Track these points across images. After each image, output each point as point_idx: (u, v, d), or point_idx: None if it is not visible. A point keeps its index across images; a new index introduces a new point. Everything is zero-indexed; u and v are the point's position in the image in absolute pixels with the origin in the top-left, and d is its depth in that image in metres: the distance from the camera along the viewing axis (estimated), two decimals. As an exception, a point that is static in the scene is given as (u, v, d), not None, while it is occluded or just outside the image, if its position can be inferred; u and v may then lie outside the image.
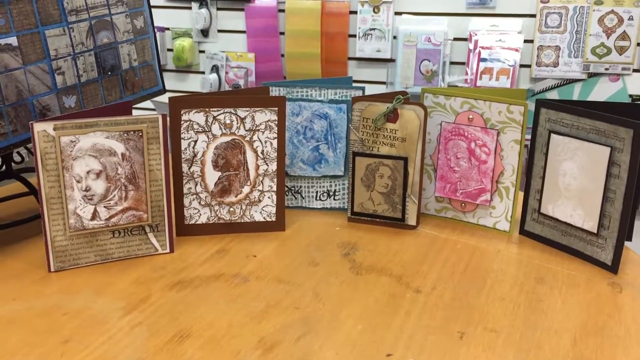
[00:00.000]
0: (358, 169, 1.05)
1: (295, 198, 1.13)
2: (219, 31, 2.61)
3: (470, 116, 1.02)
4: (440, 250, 0.98)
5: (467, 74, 2.32)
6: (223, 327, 0.76)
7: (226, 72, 2.64)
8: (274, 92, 1.08)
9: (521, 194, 1.03)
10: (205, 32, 2.62)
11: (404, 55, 2.38)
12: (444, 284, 0.88)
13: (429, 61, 2.36)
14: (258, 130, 0.99)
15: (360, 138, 1.04)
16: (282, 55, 2.55)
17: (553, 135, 0.95)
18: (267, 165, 1.01)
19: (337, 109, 1.07)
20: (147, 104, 2.05)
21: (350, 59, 2.47)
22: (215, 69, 2.65)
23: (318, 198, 1.13)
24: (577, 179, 0.93)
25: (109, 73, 1.06)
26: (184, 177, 0.99)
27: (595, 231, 0.92)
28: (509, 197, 1.02)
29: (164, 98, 1.14)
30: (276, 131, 1.00)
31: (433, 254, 0.97)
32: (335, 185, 1.12)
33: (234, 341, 0.74)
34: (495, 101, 0.99)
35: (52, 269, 0.89)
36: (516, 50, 2.22)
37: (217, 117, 0.97)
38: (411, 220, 1.05)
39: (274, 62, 2.61)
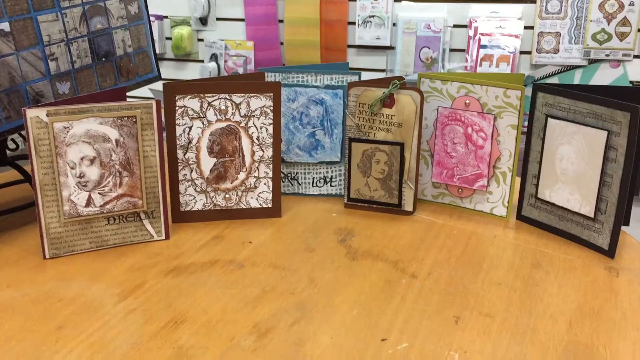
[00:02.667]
0: (354, 154, 1.04)
1: (292, 184, 1.13)
2: (218, 19, 2.60)
3: (467, 101, 1.01)
4: (437, 235, 0.98)
5: (467, 61, 2.31)
6: (218, 313, 0.76)
7: (225, 61, 2.62)
8: (270, 77, 1.07)
9: (518, 179, 1.03)
10: (203, 20, 2.61)
11: (403, 42, 2.37)
12: (439, 269, 0.87)
13: (429, 48, 2.35)
14: (253, 116, 0.98)
15: (357, 124, 1.03)
16: (281, 43, 2.54)
17: (550, 120, 0.95)
18: (263, 151, 1.00)
19: (333, 94, 1.07)
20: (144, 92, 2.04)
21: (349, 46, 2.46)
22: (214, 57, 2.64)
23: (314, 184, 1.12)
24: (574, 164, 0.92)
25: (103, 59, 1.05)
26: (179, 164, 0.99)
27: (592, 216, 0.91)
28: (506, 182, 1.02)
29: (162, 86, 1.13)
30: (272, 117, 0.99)
31: (429, 239, 0.96)
32: (332, 171, 1.11)
33: (228, 327, 0.74)
34: (492, 85, 0.98)
35: (47, 256, 0.89)
36: (516, 36, 2.21)
37: (212, 103, 0.97)
38: (408, 206, 1.04)
39: (273, 50, 2.60)
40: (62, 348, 0.69)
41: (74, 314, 0.76)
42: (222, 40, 2.60)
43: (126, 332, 0.72)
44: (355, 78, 1.06)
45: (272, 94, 0.98)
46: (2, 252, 0.91)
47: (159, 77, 1.18)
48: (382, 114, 1.02)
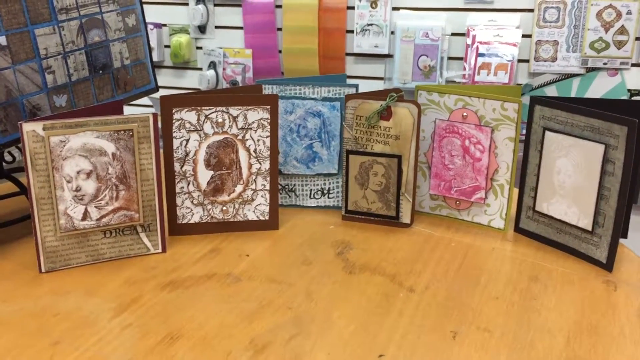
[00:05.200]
0: (352, 167, 1.04)
1: (289, 196, 1.12)
2: (216, 27, 2.60)
3: (465, 113, 1.01)
4: (435, 248, 0.97)
5: (465, 69, 2.31)
6: (214, 328, 0.76)
7: (224, 69, 2.63)
8: (267, 90, 1.07)
9: (516, 192, 1.03)
10: (202, 29, 2.61)
11: (401, 50, 2.37)
12: (437, 282, 0.87)
13: (427, 56, 2.35)
14: (250, 128, 0.98)
15: (354, 136, 1.03)
16: (280, 52, 2.54)
17: (547, 133, 0.94)
18: (260, 163, 1.00)
19: (330, 106, 1.07)
20: (144, 100, 2.04)
21: (347, 54, 2.46)
22: (212, 65, 2.64)
23: (312, 196, 1.12)
24: (572, 177, 0.92)
25: (101, 72, 1.05)
26: (176, 176, 0.98)
27: (590, 229, 0.91)
28: (504, 194, 1.01)
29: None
30: (269, 129, 0.99)
31: (427, 252, 0.96)
32: (330, 183, 1.11)
33: (225, 342, 0.73)
34: (489, 98, 0.98)
35: (43, 270, 0.88)
36: (514, 45, 2.21)
37: (209, 116, 0.97)
38: (405, 218, 1.04)
39: (272, 58, 2.60)
40: (58, 365, 0.69)
41: (69, 329, 0.75)
42: (221, 48, 2.60)
43: (122, 348, 0.72)
44: (352, 90, 1.06)
45: (269, 107, 0.98)
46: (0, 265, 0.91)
47: (156, 89, 1.18)
48: (380, 127, 1.01)
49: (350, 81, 1.12)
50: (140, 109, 2.57)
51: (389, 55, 2.41)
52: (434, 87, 1.03)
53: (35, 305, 0.80)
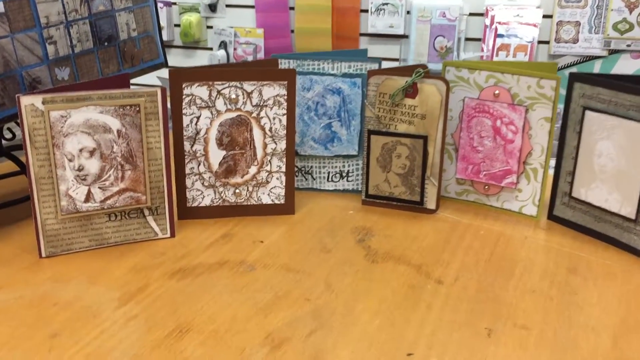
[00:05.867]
0: (373, 148, 0.97)
1: (306, 179, 1.06)
2: (227, 6, 2.52)
3: (496, 91, 0.94)
4: (462, 236, 0.91)
5: (483, 50, 2.23)
6: (227, 321, 0.70)
7: (234, 49, 2.55)
8: (283, 65, 1.00)
9: (550, 176, 0.95)
10: (213, 7, 2.53)
11: (417, 31, 2.29)
12: (467, 274, 0.80)
13: (444, 37, 2.26)
14: (266, 105, 0.91)
15: (376, 115, 0.96)
16: (292, 31, 2.46)
17: (588, 112, 0.87)
18: (276, 143, 0.94)
19: (351, 83, 1.00)
20: (152, 80, 1.98)
21: (362, 34, 2.38)
22: (223, 45, 2.57)
23: (330, 179, 1.05)
24: (614, 160, 0.85)
25: (106, 44, 0.98)
26: (186, 156, 0.92)
27: (633, 217, 0.84)
28: (537, 179, 0.94)
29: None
30: (285, 107, 0.92)
31: (454, 240, 0.89)
32: (349, 165, 1.04)
33: (238, 337, 0.67)
34: (524, 75, 0.91)
35: (43, 255, 0.82)
36: (534, 25, 2.12)
37: (221, 92, 0.90)
38: (430, 203, 0.97)
39: (284, 38, 2.53)
40: (56, 359, 0.63)
41: (69, 319, 0.69)
42: (232, 27, 2.53)
43: (126, 342, 0.66)
44: (375, 66, 0.99)
45: (286, 82, 0.91)
46: (-5, 250, 0.85)
47: (165, 64, 1.11)
48: (404, 105, 0.94)
49: (371, 57, 1.05)
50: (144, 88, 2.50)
51: (405, 36, 2.33)
52: (464, 63, 0.95)
53: (34, 293, 0.75)
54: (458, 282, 0.78)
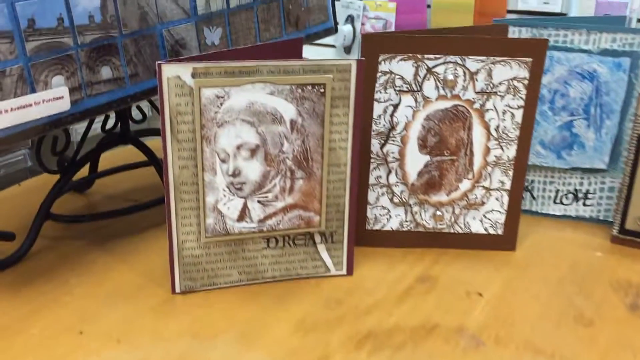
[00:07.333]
0: (644, 163, 0.66)
1: (523, 197, 0.76)
2: (365, -26, 2.24)
3: None
4: None
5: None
6: None
7: (362, 24, 2.28)
8: (513, 34, 0.70)
9: None
10: (347, -25, 2.26)
11: (580, 8, 1.90)
12: None
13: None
14: (496, 93, 0.62)
15: (656, 115, 0.64)
16: (429, 6, 2.15)
17: None
18: (502, 149, 0.64)
19: (612, 64, 0.68)
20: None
21: (509, 11, 2.02)
22: (350, 19, 2.29)
23: (558, 200, 0.75)
24: None
25: (268, -2, 0.73)
26: (372, 160, 0.65)
27: None
28: None
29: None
30: (523, 96, 0.63)
31: None
32: (590, 183, 0.73)
33: None
34: None
35: (177, 290, 0.59)
36: None
37: (433, 70, 0.62)
38: None
39: (419, 13, 2.22)
40: None
41: (217, 412, 0.45)
42: (361, 0, 2.25)
43: None
44: (653, 41, 0.67)
45: (530, 60, 0.61)
46: (116, 274, 0.62)
47: (334, 30, 0.85)
48: None
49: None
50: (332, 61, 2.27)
51: (562, 14, 1.94)
52: None
53: (166, 356, 0.51)
54: None
